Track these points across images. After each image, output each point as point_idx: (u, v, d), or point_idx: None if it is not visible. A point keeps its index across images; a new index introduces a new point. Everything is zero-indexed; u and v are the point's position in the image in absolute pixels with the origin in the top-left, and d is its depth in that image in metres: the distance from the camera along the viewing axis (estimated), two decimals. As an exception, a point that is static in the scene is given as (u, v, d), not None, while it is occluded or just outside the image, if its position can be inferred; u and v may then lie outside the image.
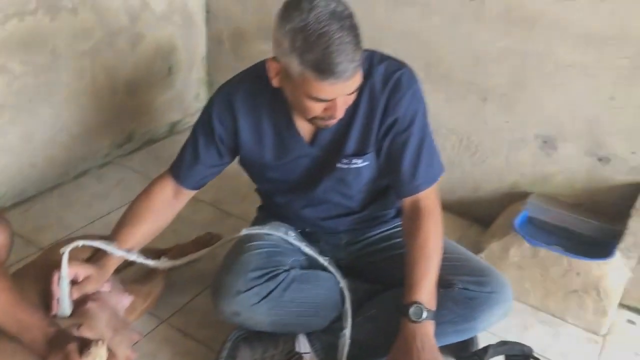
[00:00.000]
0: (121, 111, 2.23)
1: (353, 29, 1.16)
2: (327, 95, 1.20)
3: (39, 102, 1.92)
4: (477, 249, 1.81)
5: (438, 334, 1.31)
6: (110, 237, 1.42)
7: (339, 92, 1.20)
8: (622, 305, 1.76)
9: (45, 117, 1.96)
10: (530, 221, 1.90)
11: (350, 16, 1.17)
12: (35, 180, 2.02)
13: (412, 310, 1.28)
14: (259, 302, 1.36)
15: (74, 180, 2.15)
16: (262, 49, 2.36)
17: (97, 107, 2.13)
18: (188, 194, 1.52)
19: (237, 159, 1.50)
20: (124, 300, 1.46)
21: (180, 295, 1.67)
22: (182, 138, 2.45)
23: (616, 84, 1.71)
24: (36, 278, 1.34)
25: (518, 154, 1.96)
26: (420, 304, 1.29)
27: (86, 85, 2.05)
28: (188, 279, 1.72)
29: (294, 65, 1.17)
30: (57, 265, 1.29)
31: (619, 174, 1.81)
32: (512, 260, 1.74)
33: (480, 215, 2.10)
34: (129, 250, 1.40)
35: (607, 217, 1.85)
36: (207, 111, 1.44)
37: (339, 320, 1.43)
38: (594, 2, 1.66)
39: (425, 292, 1.31)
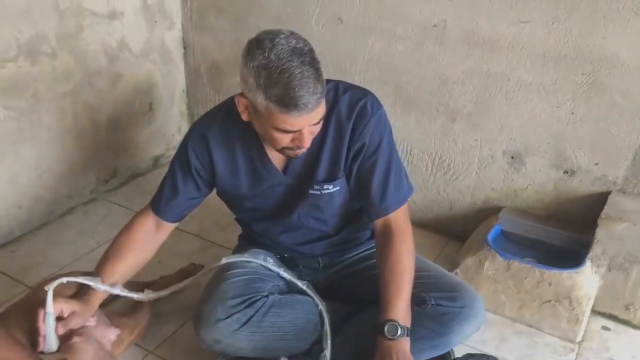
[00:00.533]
0: (104, 148, 2.29)
1: (313, 63, 1.23)
2: (292, 127, 1.26)
3: (22, 144, 1.98)
4: (454, 265, 1.87)
5: (415, 350, 1.36)
6: (95, 273, 1.47)
7: (304, 124, 1.27)
8: (596, 312, 1.81)
9: (29, 158, 2.02)
10: (503, 235, 1.96)
11: (310, 51, 1.24)
12: (21, 221, 2.07)
13: (387, 328, 1.33)
14: (239, 328, 1.40)
15: (60, 219, 2.20)
16: (238, 82, 2.43)
17: (80, 146, 2.18)
18: (169, 227, 1.57)
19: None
20: (110, 334, 1.49)
21: (165, 326, 1.71)
22: (165, 172, 2.54)
23: (575, 99, 1.79)
24: (22, 317, 1.38)
25: (488, 170, 2.03)
26: (395, 321, 1.34)
27: (68, 125, 2.11)
28: (173, 309, 1.76)
29: (260, 100, 1.23)
30: (42, 303, 1.34)
31: (584, 185, 1.88)
32: (487, 274, 1.80)
33: (456, 232, 2.16)
34: (112, 285, 1.45)
35: (576, 227, 1.91)
36: (183, 146, 1.50)
37: (319, 342, 1.47)
38: (547, 24, 1.74)
39: (400, 310, 1.36)
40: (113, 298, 1.54)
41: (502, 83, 1.88)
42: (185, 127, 2.69)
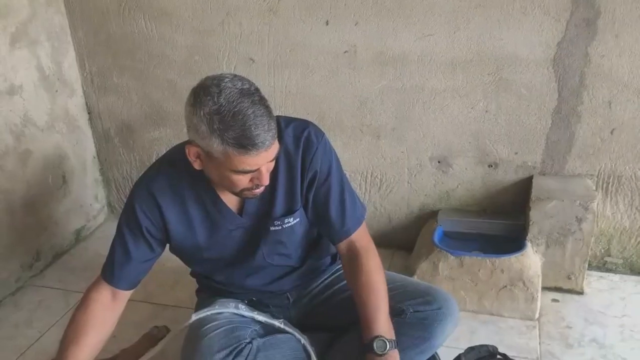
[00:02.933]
0: (23, 232, 2.14)
1: (263, 102, 1.25)
2: (251, 166, 1.26)
3: None
4: (409, 273, 1.94)
5: (404, 360, 1.39)
6: (57, 359, 1.36)
7: (262, 161, 1.27)
8: (544, 288, 1.95)
9: (-56, 258, 1.84)
10: (446, 235, 2.06)
11: (257, 90, 1.25)
12: (-55, 328, 1.87)
13: (376, 345, 1.35)
14: (232, 380, 1.36)
15: (-11, 316, 2.01)
16: (154, 136, 2.39)
17: (-2, 234, 2.03)
18: (126, 295, 1.49)
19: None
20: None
21: (141, 401, 1.62)
22: (89, 244, 2.44)
23: (486, 98, 1.94)
24: None
25: (419, 178, 2.13)
26: (381, 337, 1.36)
27: (-19, 214, 1.95)
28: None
29: (216, 145, 1.22)
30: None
31: (508, 175, 2.04)
32: (443, 274, 1.88)
33: (399, 242, 2.24)
34: None
35: (509, 214, 2.06)
36: (130, 208, 1.44)
37: (309, 375, 1.47)
38: (449, 34, 1.88)
39: (382, 324, 1.39)
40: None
41: (417, 95, 2.00)
42: (101, 194, 2.58)
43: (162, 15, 2.15)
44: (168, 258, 1.52)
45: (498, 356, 1.34)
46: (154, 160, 2.38)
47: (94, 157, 2.51)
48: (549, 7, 1.77)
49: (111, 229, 2.49)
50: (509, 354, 1.53)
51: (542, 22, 1.80)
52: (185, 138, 2.32)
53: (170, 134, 2.36)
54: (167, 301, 2.05)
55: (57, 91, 2.25)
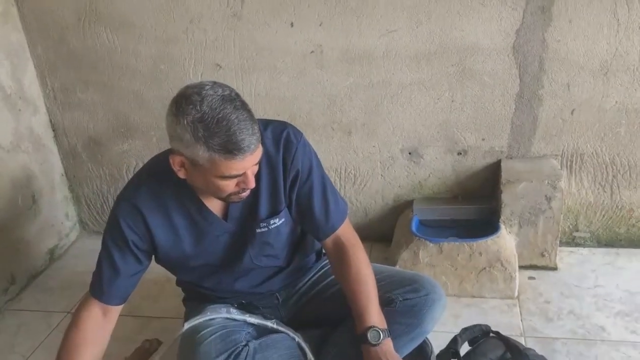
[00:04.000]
0: (-4, 256, 2.10)
1: (245, 106, 1.26)
2: (238, 171, 1.28)
3: None
4: (390, 263, 1.98)
5: (396, 348, 1.43)
6: (53, 383, 1.35)
7: (249, 165, 1.29)
8: (519, 267, 2.02)
9: None
10: (422, 223, 2.11)
11: (237, 96, 1.27)
12: None
13: (370, 335, 1.39)
14: (233, 384, 1.38)
15: (-32, 345, 1.96)
16: (123, 149, 2.37)
17: (-29, 260, 1.98)
18: (117, 311, 1.49)
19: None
20: None
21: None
22: (64, 263, 2.41)
23: (451, 88, 2.00)
24: None
25: (391, 170, 2.18)
26: (375, 327, 1.40)
27: (-47, 241, 1.90)
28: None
29: (201, 153, 1.23)
30: None
31: (477, 161, 2.11)
32: (424, 261, 1.93)
33: (376, 235, 2.29)
34: None
35: (481, 199, 2.13)
36: (114, 223, 1.43)
37: (306, 372, 1.49)
38: (412, 28, 1.94)
39: (374, 315, 1.43)
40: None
41: (385, 89, 2.04)
42: (72, 212, 2.53)
43: (123, 27, 2.13)
44: (149, 270, 1.51)
45: (491, 334, 1.40)
46: (124, 173, 2.41)
47: (62, 175, 2.46)
48: (506, -3, 1.85)
49: (84, 246, 2.52)
50: (495, 332, 1.60)
51: (500, 11, 1.87)
52: (154, 149, 2.35)
53: (139, 145, 2.34)
54: (153, 313, 2.04)
55: (19, 110, 2.21)
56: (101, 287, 1.45)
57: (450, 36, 1.93)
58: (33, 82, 2.28)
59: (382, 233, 2.26)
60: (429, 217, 2.12)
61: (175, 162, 1.31)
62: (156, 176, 1.42)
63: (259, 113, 2.15)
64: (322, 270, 1.69)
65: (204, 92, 1.24)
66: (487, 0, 1.86)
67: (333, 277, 1.60)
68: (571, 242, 2.19)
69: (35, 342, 1.95)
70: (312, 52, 2.03)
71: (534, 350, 1.35)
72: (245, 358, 1.42)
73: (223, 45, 2.09)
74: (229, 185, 1.31)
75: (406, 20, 1.92)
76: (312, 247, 1.67)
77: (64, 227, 2.48)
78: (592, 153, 2.02)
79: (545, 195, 1.93)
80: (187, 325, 1.51)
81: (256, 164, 1.33)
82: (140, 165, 2.34)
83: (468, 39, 1.92)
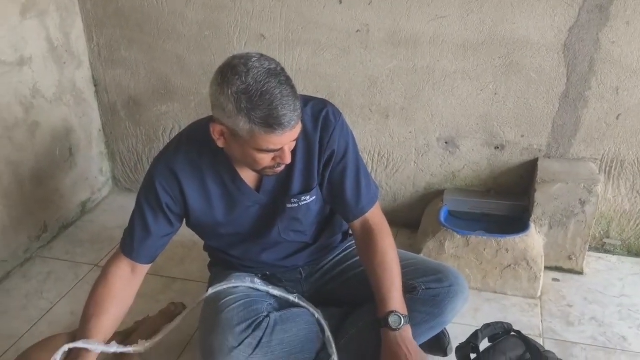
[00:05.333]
0: (32, 203, 2.15)
1: (289, 82, 1.27)
2: (275, 146, 1.29)
3: (-52, 214, 1.81)
4: (414, 251, 1.98)
5: (415, 335, 1.44)
6: (80, 332, 1.39)
7: (287, 141, 1.30)
8: (544, 267, 2.00)
9: (-43, 228, 1.85)
10: (451, 214, 2.10)
11: (283, 70, 1.27)
12: (-42, 298, 1.89)
13: (391, 319, 1.40)
14: (252, 353, 1.40)
15: (-1, 286, 2.03)
16: (161, 111, 2.39)
17: (8, 206, 2.03)
18: (145, 269, 1.52)
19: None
20: (109, 391, 1.43)
21: (155, 371, 1.66)
22: (94, 216, 2.46)
23: (496, 81, 1.97)
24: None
25: (426, 158, 2.17)
26: (396, 312, 1.41)
27: (-7, 186, 1.96)
28: (157, 352, 1.69)
29: (242, 124, 1.24)
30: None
31: (514, 157, 2.08)
32: (450, 252, 1.93)
33: (403, 221, 2.28)
34: (107, 343, 1.38)
35: (514, 195, 2.11)
36: (150, 185, 1.46)
37: (324, 349, 1.51)
38: (462, 16, 1.90)
39: (397, 300, 1.44)
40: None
41: (428, 76, 2.02)
42: (106, 167, 2.58)
43: (173, -11, 2.14)
44: (177, 233, 1.53)
45: (512, 333, 1.39)
46: (160, 135, 2.44)
47: (100, 130, 2.51)
48: (563, -7, 1.80)
49: (115, 202, 2.57)
50: (515, 330, 1.60)
51: (555, 7, 1.82)
52: (192, 113, 2.37)
53: (177, 108, 2.36)
54: (177, 274, 2.09)
55: (65, 63, 2.24)
56: (132, 245, 1.48)
57: (500, 28, 1.89)
58: (80, 37, 2.30)
59: (409, 219, 2.26)
60: (459, 209, 2.10)
61: (215, 130, 1.32)
62: (195, 142, 1.44)
63: (298, 88, 2.11)
64: (347, 251, 1.70)
65: (250, 63, 1.24)
66: (543, -6, 1.82)
67: (357, 258, 1.62)
68: (600, 248, 2.15)
69: (63, 290, 2.01)
70: (358, 31, 2.01)
71: (554, 354, 1.35)
72: (266, 328, 1.45)
73: (269, 16, 2.08)
74: (265, 159, 1.32)
75: (457, 7, 1.89)
76: (339, 227, 1.68)
77: (97, 181, 2.53)
78: (634, 160, 1.98)
79: (580, 199, 1.90)
80: (211, 290, 1.54)
81: (294, 141, 1.34)
82: (177, 128, 2.38)
83: (518, 32, 1.88)
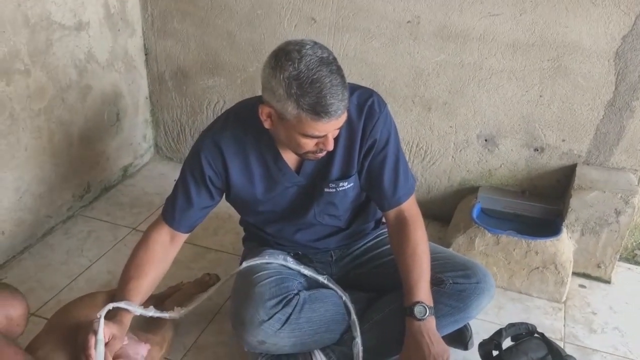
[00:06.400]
0: (78, 163, 2.24)
1: (339, 71, 1.30)
2: (320, 132, 1.33)
3: (2, 167, 1.90)
4: (444, 244, 2.01)
5: (439, 327, 1.47)
6: (119, 292, 1.46)
7: (331, 129, 1.33)
8: (572, 273, 2.01)
9: (8, 182, 1.94)
10: (484, 212, 2.12)
11: (334, 60, 1.31)
12: (3, 248, 1.98)
13: (416, 309, 1.44)
14: (280, 327, 1.46)
15: (42, 240, 2.12)
16: (207, 85, 2.44)
17: (56, 164, 2.12)
18: (183, 238, 1.59)
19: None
20: (141, 350, 1.49)
21: (186, 336, 1.73)
22: (135, 181, 2.54)
23: (542, 83, 1.96)
24: (58, 344, 1.37)
25: (463, 153, 2.18)
26: (422, 302, 1.45)
27: (44, 143, 2.04)
28: (189, 319, 1.77)
29: (290, 109, 1.28)
30: (78, 329, 1.34)
31: (553, 161, 2.08)
32: (479, 249, 1.95)
33: (435, 213, 2.31)
34: (145, 307, 1.46)
35: (548, 198, 2.11)
36: (195, 157, 1.51)
37: (348, 331, 1.56)
38: (515, 16, 1.89)
39: (424, 291, 1.47)
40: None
41: (474, 72, 2.02)
42: (150, 135, 2.66)
43: (229, -34, 2.17)
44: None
45: (536, 334, 1.42)
46: (204, 108, 2.50)
47: (146, 98, 2.58)
48: (620, 0, 1.77)
49: (156, 169, 2.65)
50: (537, 332, 1.62)
51: (610, 13, 1.80)
52: (237, 90, 2.42)
53: (223, 83, 2.41)
54: (210, 244, 2.16)
55: (119, 30, 2.31)
56: (173, 214, 1.54)
57: (552, 30, 1.88)
58: (135, 6, 2.36)
59: (441, 213, 2.28)
60: (492, 207, 2.12)
61: (263, 112, 1.36)
62: (242, 121, 1.48)
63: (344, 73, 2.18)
64: (379, 239, 1.74)
65: (304, 50, 1.28)
66: (599, 0, 1.79)
67: (387, 246, 1.65)
68: (631, 259, 2.15)
69: (102, 250, 2.10)
70: (408, 22, 2.02)
71: (575, 359, 1.37)
72: (295, 306, 1.50)
73: (322, 1, 2.10)
74: (309, 144, 1.36)
75: (511, 6, 1.88)
76: (373, 215, 1.72)
77: (140, 147, 2.61)
78: (674, 175, 1.96)
79: (615, 209, 1.89)
80: (245, 264, 1.60)
81: (338, 129, 1.38)
82: (222, 102, 2.43)
83: (570, 36, 1.86)
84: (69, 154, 2.18)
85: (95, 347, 1.28)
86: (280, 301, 1.49)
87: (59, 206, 2.19)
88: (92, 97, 2.24)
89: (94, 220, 2.27)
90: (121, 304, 1.39)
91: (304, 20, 2.16)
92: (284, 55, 1.28)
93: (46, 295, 1.86)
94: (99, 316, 1.30)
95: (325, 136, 1.35)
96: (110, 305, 1.36)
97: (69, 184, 2.22)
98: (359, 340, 1.52)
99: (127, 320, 1.43)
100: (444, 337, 1.52)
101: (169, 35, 2.40)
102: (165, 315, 1.51)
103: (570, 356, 1.38)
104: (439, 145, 2.20)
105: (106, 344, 1.33)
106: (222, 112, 1.59)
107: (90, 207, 2.34)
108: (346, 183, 1.54)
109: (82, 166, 2.27)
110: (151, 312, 1.46)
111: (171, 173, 2.56)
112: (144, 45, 2.46)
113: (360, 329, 1.54)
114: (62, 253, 2.07)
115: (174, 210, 1.55)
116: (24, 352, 1.33)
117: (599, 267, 2.01)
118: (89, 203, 2.34)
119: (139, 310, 1.42)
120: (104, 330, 1.32)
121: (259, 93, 1.36)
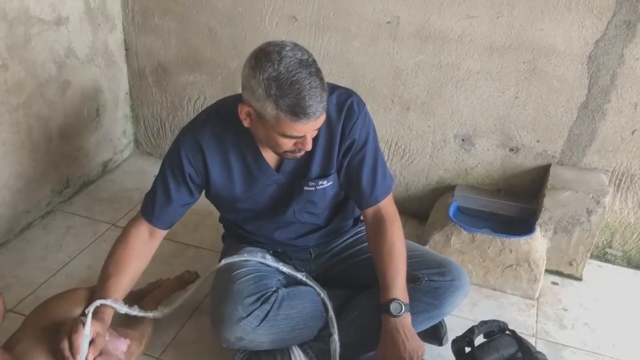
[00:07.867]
0: (57, 159, 2.23)
1: (318, 74, 1.32)
2: (299, 133, 1.35)
3: (-21, 163, 1.89)
4: (421, 241, 2.04)
5: (414, 323, 1.51)
6: (99, 288, 1.47)
7: (310, 129, 1.35)
8: (545, 270, 2.06)
9: (-14, 177, 1.94)
10: (460, 210, 2.16)
11: (314, 62, 1.32)
12: (-18, 243, 1.98)
13: (392, 306, 1.47)
14: (259, 324, 1.48)
15: (20, 235, 2.12)
16: (188, 81, 2.45)
17: (35, 159, 2.11)
18: (162, 234, 1.60)
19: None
20: (121, 346, 1.50)
21: (165, 332, 1.74)
22: (115, 177, 2.54)
23: (518, 85, 2.01)
24: (37, 341, 1.37)
25: (441, 153, 2.22)
26: (398, 299, 1.48)
27: (22, 138, 2.03)
28: (168, 315, 1.79)
29: (269, 109, 1.30)
30: (57, 325, 1.35)
31: (528, 161, 2.12)
32: (455, 247, 1.99)
33: (413, 211, 2.35)
34: (129, 306, 1.47)
35: (522, 197, 2.16)
36: (175, 153, 1.52)
37: (326, 327, 1.58)
38: (492, 18, 1.93)
39: (400, 289, 1.50)
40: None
41: (452, 73, 2.06)
42: (129, 130, 2.65)
43: (210, -37, 2.17)
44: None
45: (507, 332, 1.46)
46: (185, 104, 2.50)
47: (126, 94, 2.57)
48: (593, 6, 1.82)
49: (135, 164, 2.65)
50: (509, 328, 1.66)
51: (584, 18, 1.85)
52: (218, 86, 2.43)
53: (204, 80, 2.42)
54: (190, 241, 2.16)
55: (99, 25, 2.30)
56: (152, 211, 1.55)
57: (528, 33, 1.92)
58: (115, 1, 2.36)
59: (419, 210, 2.32)
60: (468, 205, 2.16)
61: (242, 111, 1.38)
62: (222, 118, 1.50)
63: (323, 73, 2.19)
64: (357, 236, 1.77)
65: (284, 52, 1.29)
66: (573, 5, 1.84)
67: (365, 244, 1.68)
68: (602, 256, 2.21)
69: (81, 245, 2.09)
70: (388, 22, 2.05)
71: (544, 355, 1.41)
72: (274, 303, 1.53)
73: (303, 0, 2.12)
74: (287, 144, 1.38)
75: (488, 8, 1.92)
76: (351, 213, 1.74)
77: (120, 143, 2.60)
78: (644, 176, 2.02)
79: (587, 208, 1.94)
80: (224, 261, 1.62)
81: (317, 129, 1.40)
82: (202, 99, 2.44)
83: (546, 39, 1.91)
84: (48, 149, 2.17)
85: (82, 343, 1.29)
86: (259, 298, 1.51)
87: (37, 201, 2.18)
88: (72, 92, 2.23)
89: (73, 216, 2.26)
90: (108, 302, 1.40)
91: (285, 18, 2.17)
92: (264, 56, 1.29)
93: (24, 291, 1.86)
94: (87, 312, 1.31)
95: (303, 136, 1.37)
96: (98, 302, 1.37)
97: (48, 179, 2.22)
98: (336, 336, 1.55)
99: (109, 317, 1.44)
100: (419, 333, 1.55)
101: (149, 30, 2.40)
102: (149, 315, 1.53)
103: (540, 352, 1.42)
104: (417, 145, 2.23)
105: (91, 341, 1.34)
106: (203, 108, 1.60)
107: (69, 202, 2.33)
108: (325, 181, 1.57)
109: (61, 161, 2.26)
110: (135, 311, 1.48)
111: (151, 169, 2.55)
112: (125, 40, 2.46)
113: (337, 325, 1.57)
114: (41, 248, 2.07)
115: (153, 207, 1.55)
116: (1, 350, 1.34)
117: (570, 264, 2.07)
118: (68, 198, 2.34)
119: (124, 309, 1.44)
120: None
121: (240, 90, 1.37)
